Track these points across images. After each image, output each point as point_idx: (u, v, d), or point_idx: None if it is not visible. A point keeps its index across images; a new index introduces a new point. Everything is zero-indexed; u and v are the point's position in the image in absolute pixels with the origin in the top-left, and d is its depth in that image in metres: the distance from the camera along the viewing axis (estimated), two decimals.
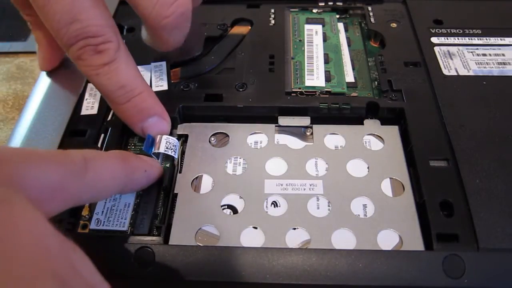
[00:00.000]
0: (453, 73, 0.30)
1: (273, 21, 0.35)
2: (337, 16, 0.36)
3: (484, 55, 0.31)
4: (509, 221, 0.22)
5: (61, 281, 0.14)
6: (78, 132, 0.28)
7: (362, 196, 0.24)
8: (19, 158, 0.17)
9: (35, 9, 0.24)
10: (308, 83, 0.30)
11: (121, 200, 0.24)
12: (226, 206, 0.24)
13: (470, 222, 0.22)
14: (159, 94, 0.28)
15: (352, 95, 0.29)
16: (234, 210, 0.24)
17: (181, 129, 0.28)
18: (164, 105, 0.27)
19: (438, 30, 0.33)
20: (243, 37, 0.34)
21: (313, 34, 0.34)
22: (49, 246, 0.14)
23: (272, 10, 0.35)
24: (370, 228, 0.23)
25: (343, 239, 0.23)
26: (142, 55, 0.32)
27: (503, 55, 0.31)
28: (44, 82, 0.31)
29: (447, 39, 0.32)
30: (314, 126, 0.28)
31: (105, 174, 0.20)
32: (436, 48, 0.31)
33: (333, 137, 0.27)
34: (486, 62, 0.30)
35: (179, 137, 0.28)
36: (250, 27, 0.34)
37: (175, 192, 0.25)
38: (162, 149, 0.25)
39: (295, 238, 0.23)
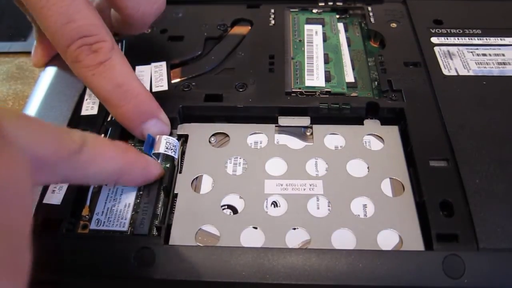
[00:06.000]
0: (453, 73, 0.30)
1: (273, 21, 0.35)
2: (337, 16, 0.36)
3: (484, 55, 0.31)
4: (509, 221, 0.22)
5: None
6: None
7: (362, 196, 0.24)
8: (20, 121, 0.17)
9: (32, 12, 0.24)
10: (308, 83, 0.30)
11: (121, 200, 0.24)
12: (226, 206, 0.24)
13: (470, 222, 0.22)
14: (159, 94, 0.29)
15: (352, 95, 0.29)
16: (234, 210, 0.24)
17: (181, 129, 0.28)
18: (164, 105, 0.27)
19: (438, 30, 0.33)
20: (243, 37, 0.33)
21: (313, 34, 0.34)
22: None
23: (272, 10, 0.35)
24: (370, 228, 0.23)
25: (343, 239, 0.23)
26: (142, 55, 0.32)
27: (503, 55, 0.31)
28: (44, 82, 0.31)
29: (447, 39, 0.32)
30: (314, 126, 0.28)
31: (102, 158, 0.21)
32: (436, 48, 0.31)
33: (333, 137, 0.27)
34: (486, 62, 0.30)
35: (179, 137, 0.28)
36: (250, 27, 0.34)
37: (175, 192, 0.25)
38: (162, 150, 0.26)
39: (295, 238, 0.23)
